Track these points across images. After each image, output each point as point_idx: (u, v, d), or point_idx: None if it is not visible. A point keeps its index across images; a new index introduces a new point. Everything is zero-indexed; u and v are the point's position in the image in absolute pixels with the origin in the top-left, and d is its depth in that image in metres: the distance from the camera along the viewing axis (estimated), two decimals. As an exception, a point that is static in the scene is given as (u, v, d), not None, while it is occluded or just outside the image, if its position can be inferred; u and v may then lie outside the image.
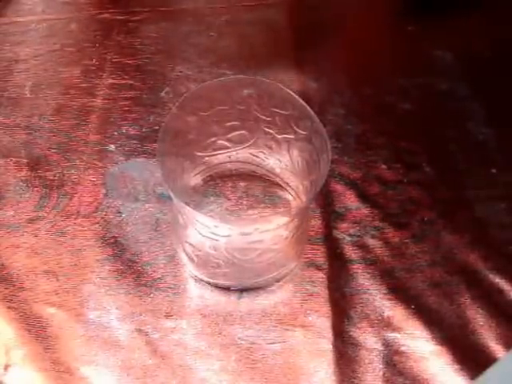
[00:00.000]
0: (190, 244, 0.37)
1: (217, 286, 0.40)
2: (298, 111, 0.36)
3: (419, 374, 0.37)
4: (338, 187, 0.44)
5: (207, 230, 0.33)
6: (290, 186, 0.43)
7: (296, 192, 0.42)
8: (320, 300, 0.40)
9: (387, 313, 0.39)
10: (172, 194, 0.32)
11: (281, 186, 0.43)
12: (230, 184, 0.43)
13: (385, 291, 0.40)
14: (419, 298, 0.40)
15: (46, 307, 0.39)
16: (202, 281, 0.40)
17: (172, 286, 0.40)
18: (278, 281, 0.40)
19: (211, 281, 0.39)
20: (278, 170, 0.43)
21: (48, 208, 0.43)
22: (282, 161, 0.41)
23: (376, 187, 0.45)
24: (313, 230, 0.42)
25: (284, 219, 0.34)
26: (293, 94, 0.35)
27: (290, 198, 0.43)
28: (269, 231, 0.34)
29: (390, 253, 0.42)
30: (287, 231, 0.36)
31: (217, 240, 0.34)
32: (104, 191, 0.44)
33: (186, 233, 0.37)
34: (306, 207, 0.37)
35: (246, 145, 0.41)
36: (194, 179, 0.43)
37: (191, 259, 0.38)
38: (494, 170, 0.46)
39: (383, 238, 0.42)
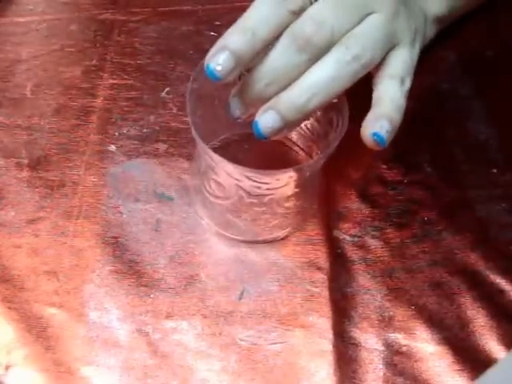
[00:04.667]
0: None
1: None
2: None
3: (420, 374, 0.37)
4: (339, 187, 0.44)
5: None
6: (304, 151, 0.45)
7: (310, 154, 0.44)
8: (320, 300, 0.40)
9: (388, 313, 0.39)
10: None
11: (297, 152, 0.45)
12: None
13: (385, 291, 0.40)
14: (420, 298, 0.40)
15: (47, 308, 0.39)
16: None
17: (173, 287, 0.40)
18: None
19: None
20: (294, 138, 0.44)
21: (49, 208, 0.43)
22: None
23: (376, 187, 0.45)
24: (313, 230, 0.42)
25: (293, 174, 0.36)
26: None
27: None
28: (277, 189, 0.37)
29: (391, 253, 0.42)
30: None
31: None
32: (105, 192, 0.44)
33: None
34: (317, 163, 0.39)
35: None
36: None
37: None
38: (494, 170, 0.46)
39: (384, 238, 0.42)
